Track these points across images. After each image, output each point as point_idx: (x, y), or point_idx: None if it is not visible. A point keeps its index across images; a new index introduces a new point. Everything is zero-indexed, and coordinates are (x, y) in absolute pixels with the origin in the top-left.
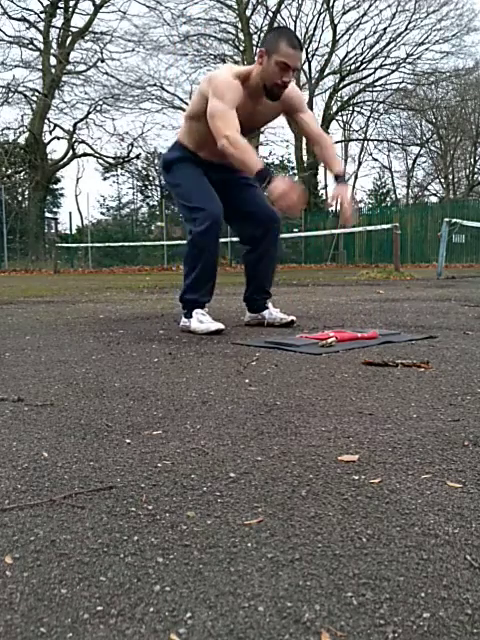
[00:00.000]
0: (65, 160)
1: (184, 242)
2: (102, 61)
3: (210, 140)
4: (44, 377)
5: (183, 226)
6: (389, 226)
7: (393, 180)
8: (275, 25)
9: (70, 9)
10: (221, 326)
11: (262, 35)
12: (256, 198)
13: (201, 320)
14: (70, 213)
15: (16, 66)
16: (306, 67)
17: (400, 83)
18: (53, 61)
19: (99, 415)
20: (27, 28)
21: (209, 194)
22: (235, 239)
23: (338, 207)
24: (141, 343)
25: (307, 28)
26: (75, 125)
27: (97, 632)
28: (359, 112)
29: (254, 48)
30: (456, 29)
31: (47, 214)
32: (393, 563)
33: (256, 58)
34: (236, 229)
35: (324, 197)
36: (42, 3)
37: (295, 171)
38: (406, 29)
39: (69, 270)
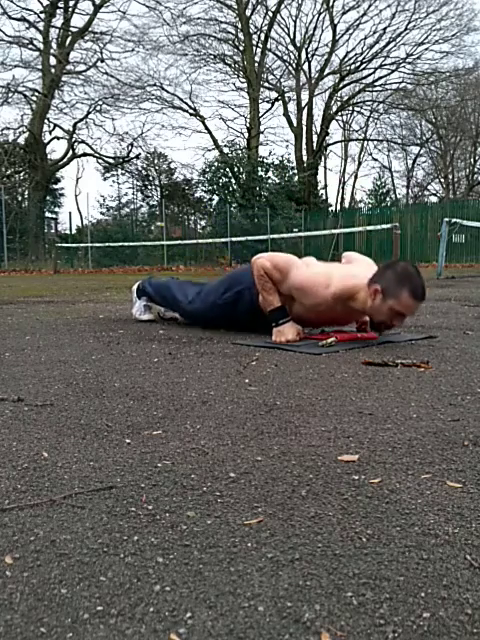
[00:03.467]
0: (65, 160)
1: (184, 242)
2: (102, 61)
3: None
4: (44, 377)
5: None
6: (389, 226)
7: (393, 180)
8: (401, 271)
9: (70, 9)
10: (151, 317)
11: (262, 36)
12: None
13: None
14: (70, 213)
15: (16, 66)
16: (306, 67)
17: (400, 83)
18: (53, 61)
19: (99, 415)
20: (27, 28)
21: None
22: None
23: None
24: (141, 343)
25: (307, 28)
26: (75, 125)
27: (97, 632)
28: (359, 112)
29: (254, 48)
30: (456, 29)
31: (47, 214)
32: (393, 563)
33: (370, 291)
34: None
35: (324, 197)
36: (42, 3)
37: (295, 171)
38: (406, 29)
39: (69, 270)
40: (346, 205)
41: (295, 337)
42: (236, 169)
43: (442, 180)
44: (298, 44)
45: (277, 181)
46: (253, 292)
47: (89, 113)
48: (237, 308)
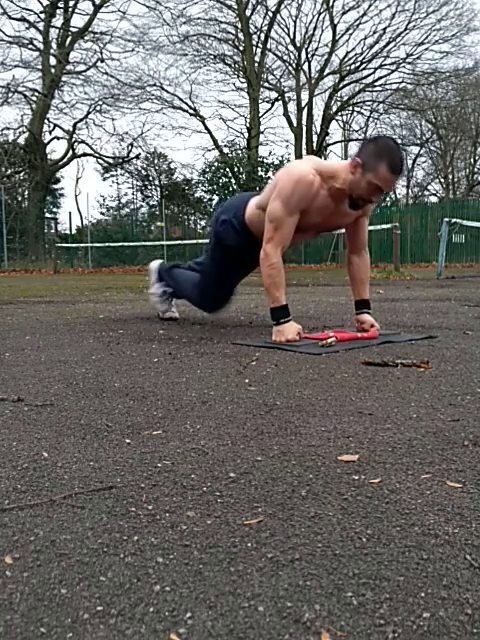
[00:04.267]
0: (65, 160)
1: (183, 242)
2: (102, 61)
3: None
4: (44, 377)
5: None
6: (389, 226)
7: None
8: (382, 145)
9: (70, 9)
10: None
11: (262, 36)
12: None
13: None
14: (70, 213)
15: (16, 66)
16: (306, 67)
17: (400, 83)
18: (53, 61)
19: (99, 415)
20: (27, 28)
21: (226, 289)
22: None
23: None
24: (141, 343)
25: (307, 28)
26: (75, 125)
27: (97, 632)
28: (359, 112)
29: (254, 48)
30: (456, 29)
31: (47, 214)
32: (393, 563)
33: (350, 165)
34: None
35: None
36: (42, 3)
37: None
38: (406, 29)
39: (69, 270)
40: None
41: (295, 337)
42: (236, 169)
43: (442, 180)
44: (298, 44)
45: None
46: (239, 215)
47: (89, 113)
48: (226, 243)
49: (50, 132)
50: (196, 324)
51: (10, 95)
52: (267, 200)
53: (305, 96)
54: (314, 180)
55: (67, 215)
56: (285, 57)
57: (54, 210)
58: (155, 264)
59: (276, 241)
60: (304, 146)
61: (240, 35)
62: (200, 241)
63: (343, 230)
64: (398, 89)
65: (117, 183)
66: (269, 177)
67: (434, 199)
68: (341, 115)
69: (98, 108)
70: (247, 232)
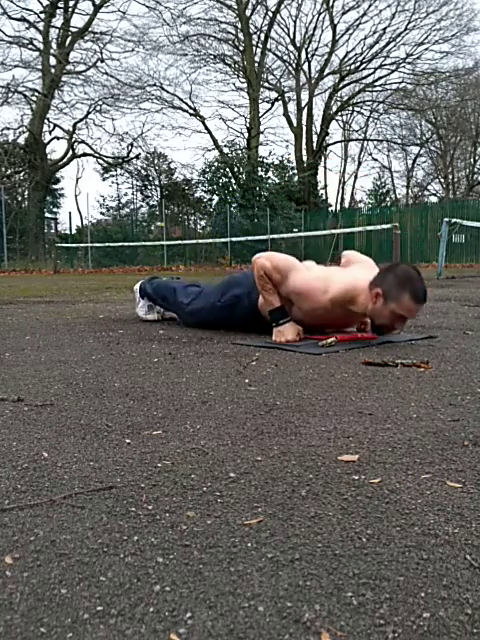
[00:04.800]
0: (65, 160)
1: (184, 242)
2: (102, 61)
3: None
4: (44, 377)
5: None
6: (389, 226)
7: (393, 180)
8: (402, 274)
9: (70, 9)
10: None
11: (262, 36)
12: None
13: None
14: (70, 213)
15: (16, 66)
16: (306, 67)
17: (400, 83)
18: (53, 61)
19: (99, 415)
20: (27, 28)
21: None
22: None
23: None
24: (141, 343)
25: (307, 28)
26: (75, 125)
27: (97, 632)
28: (359, 112)
29: (254, 48)
30: (456, 29)
31: (47, 214)
32: (393, 563)
33: (371, 294)
34: None
35: (324, 197)
36: (42, 3)
37: (295, 171)
38: (406, 29)
39: (69, 270)
40: (346, 205)
41: (295, 337)
42: (236, 169)
43: (442, 180)
44: (298, 44)
45: (277, 181)
46: (252, 297)
47: (89, 113)
48: (235, 312)
49: (50, 132)
50: None
51: (10, 95)
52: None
53: (305, 96)
54: (327, 307)
55: (67, 215)
56: (285, 57)
57: (54, 210)
58: (136, 285)
59: (268, 259)
60: (304, 146)
61: (240, 35)
62: (200, 241)
63: (342, 230)
64: (398, 89)
65: (117, 183)
66: (269, 177)
67: (434, 199)
68: (341, 115)
69: (98, 108)
70: (258, 313)
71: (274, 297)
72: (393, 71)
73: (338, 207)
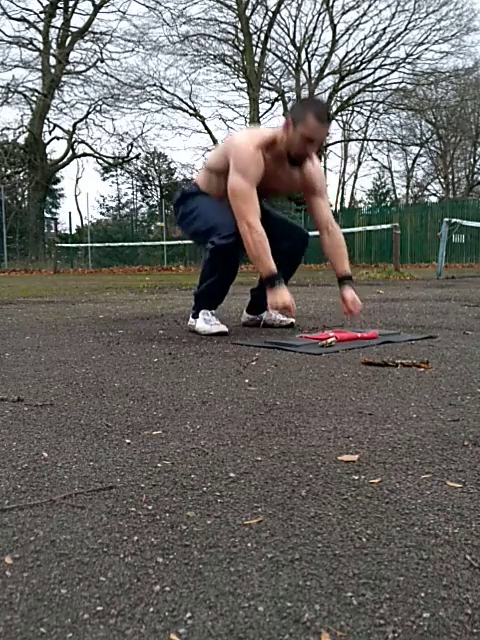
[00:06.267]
0: (65, 160)
1: (183, 242)
2: (102, 61)
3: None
4: (44, 377)
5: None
6: (389, 226)
7: (393, 180)
8: (307, 100)
9: (70, 9)
10: (224, 329)
11: (262, 36)
12: (280, 220)
13: (206, 320)
14: (70, 213)
15: (16, 66)
16: (306, 67)
17: (400, 83)
18: (53, 61)
19: (99, 415)
20: (27, 28)
21: (228, 213)
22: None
23: (350, 307)
24: (141, 343)
25: (307, 28)
26: (75, 125)
27: (97, 632)
28: (359, 112)
29: (254, 48)
30: (456, 29)
31: (47, 214)
32: (393, 563)
33: (282, 125)
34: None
35: None
36: (42, 3)
37: None
38: (406, 29)
39: (69, 270)
40: (346, 205)
41: (289, 300)
42: None
43: (442, 180)
44: (298, 44)
45: None
46: (192, 186)
47: (89, 113)
48: (190, 193)
49: (50, 132)
50: None
51: (10, 95)
52: (215, 164)
53: (305, 96)
54: (259, 153)
55: (67, 215)
56: (285, 57)
57: (54, 210)
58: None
59: (252, 211)
60: None
61: (240, 35)
62: None
63: (342, 230)
64: (398, 89)
65: (117, 183)
66: None
67: (434, 199)
68: (341, 115)
69: (98, 108)
70: (203, 192)
71: (266, 255)
72: (393, 71)
73: (338, 207)
